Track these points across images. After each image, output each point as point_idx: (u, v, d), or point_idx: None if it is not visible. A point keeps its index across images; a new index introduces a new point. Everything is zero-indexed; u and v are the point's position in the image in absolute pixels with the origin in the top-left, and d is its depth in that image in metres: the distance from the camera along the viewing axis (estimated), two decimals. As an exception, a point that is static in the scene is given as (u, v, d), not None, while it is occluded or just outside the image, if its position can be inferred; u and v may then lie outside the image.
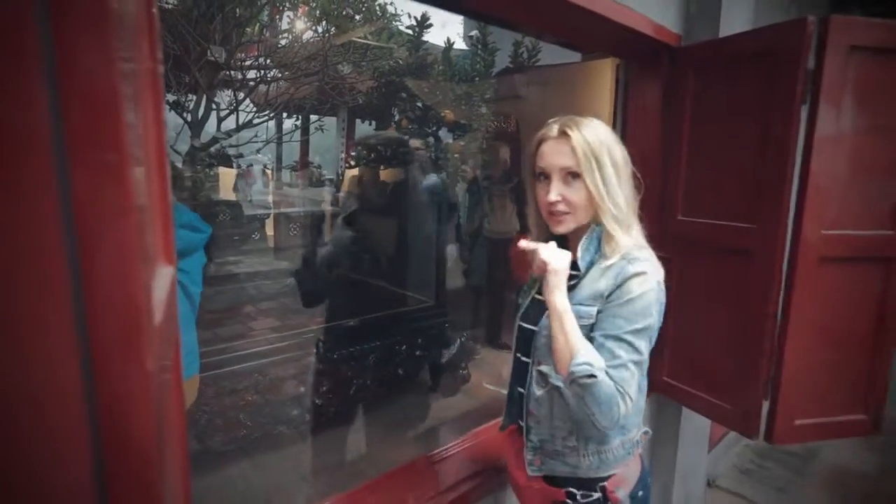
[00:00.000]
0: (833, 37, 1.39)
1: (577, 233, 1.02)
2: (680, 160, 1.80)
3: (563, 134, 0.96)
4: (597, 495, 1.05)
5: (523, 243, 1.00)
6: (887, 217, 1.52)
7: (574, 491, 1.04)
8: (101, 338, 0.33)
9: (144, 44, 0.45)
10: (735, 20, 1.87)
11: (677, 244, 1.81)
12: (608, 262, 0.97)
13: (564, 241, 1.07)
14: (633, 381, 0.92)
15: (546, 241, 1.04)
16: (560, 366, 0.93)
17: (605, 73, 2.59)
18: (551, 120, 1.00)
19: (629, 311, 0.92)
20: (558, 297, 0.94)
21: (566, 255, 0.97)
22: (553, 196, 0.96)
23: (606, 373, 0.90)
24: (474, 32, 4.46)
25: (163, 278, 0.51)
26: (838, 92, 1.42)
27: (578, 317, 0.95)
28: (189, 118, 4.53)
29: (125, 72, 0.34)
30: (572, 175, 0.96)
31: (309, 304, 2.37)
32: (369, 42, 4.88)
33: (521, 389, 1.10)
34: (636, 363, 0.92)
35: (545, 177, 0.99)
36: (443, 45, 4.28)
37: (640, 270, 0.93)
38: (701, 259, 1.76)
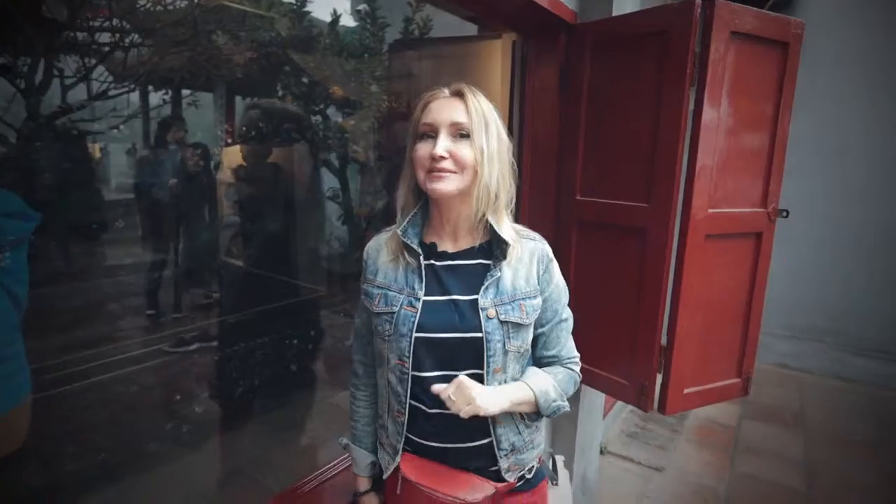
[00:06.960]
0: (718, 21, 1.44)
1: (456, 203, 0.93)
2: (578, 140, 1.80)
3: (458, 94, 0.91)
4: (534, 463, 1.05)
5: (437, 388, 0.89)
6: (758, 195, 1.64)
7: (524, 474, 1.02)
8: None
9: None
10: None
11: (576, 224, 1.82)
12: (521, 244, 0.97)
13: (427, 212, 0.98)
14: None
15: (418, 213, 0.97)
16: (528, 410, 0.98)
17: (496, 54, 2.56)
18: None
19: (559, 292, 1.01)
20: (499, 401, 0.90)
21: (483, 388, 0.90)
22: (440, 149, 0.87)
23: (562, 364, 1.04)
24: (362, 6, 4.22)
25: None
26: (722, 76, 1.49)
27: (532, 309, 0.96)
28: (23, 85, 3.79)
29: None
30: (462, 134, 0.89)
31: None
32: (246, 8, 4.42)
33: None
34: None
35: (430, 134, 0.90)
36: (327, 19, 3.98)
37: (550, 250, 1.01)
38: (599, 238, 1.78)
